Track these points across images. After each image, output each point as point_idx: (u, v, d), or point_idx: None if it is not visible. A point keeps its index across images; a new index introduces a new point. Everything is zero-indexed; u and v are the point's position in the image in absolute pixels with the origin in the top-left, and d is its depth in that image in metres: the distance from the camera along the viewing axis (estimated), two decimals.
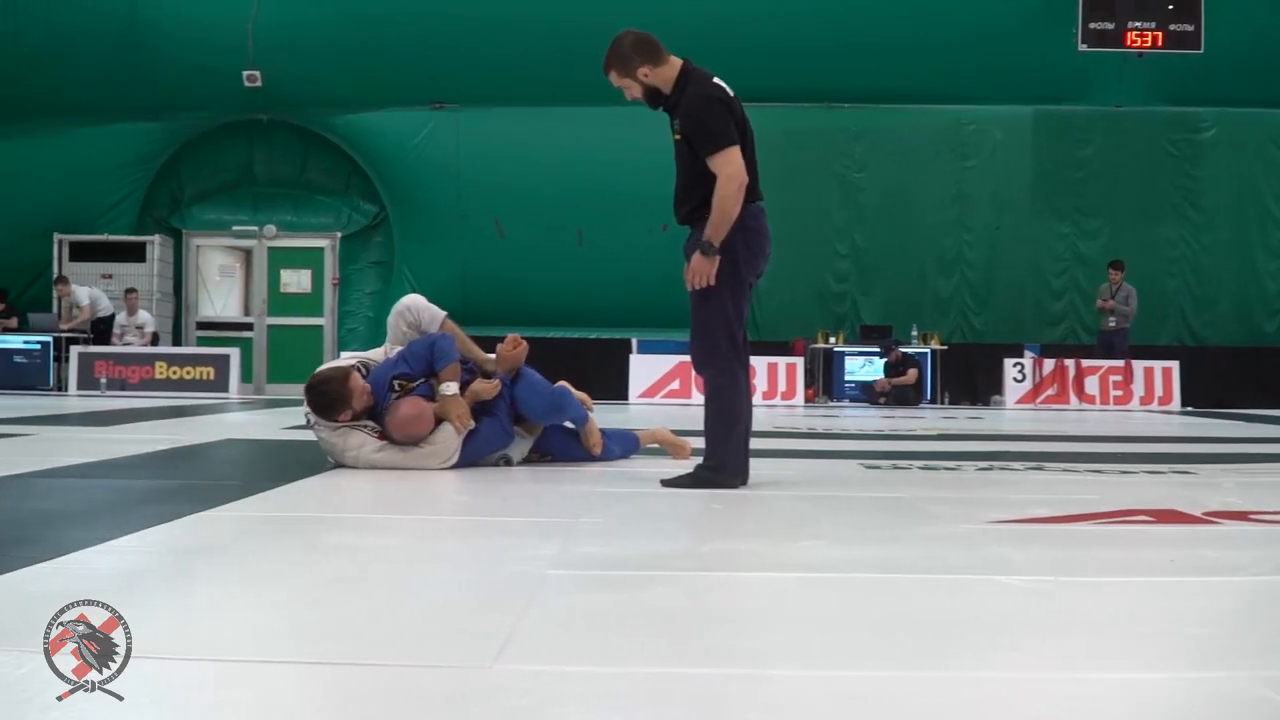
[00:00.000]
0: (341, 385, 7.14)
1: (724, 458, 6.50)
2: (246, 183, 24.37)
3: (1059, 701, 2.59)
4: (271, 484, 6.50)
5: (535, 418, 7.72)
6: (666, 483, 6.59)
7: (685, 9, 20.77)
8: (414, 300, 7.70)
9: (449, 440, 7.26)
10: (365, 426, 7.24)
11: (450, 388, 7.28)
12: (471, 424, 7.34)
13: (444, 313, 7.66)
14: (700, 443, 6.72)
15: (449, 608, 3.45)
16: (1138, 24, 21.38)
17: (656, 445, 8.33)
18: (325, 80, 22.81)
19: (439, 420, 7.28)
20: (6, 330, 22.69)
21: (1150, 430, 14.46)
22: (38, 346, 22.40)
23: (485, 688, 2.58)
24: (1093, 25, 21.38)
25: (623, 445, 8.20)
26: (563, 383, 7.99)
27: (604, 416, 8.39)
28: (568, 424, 7.96)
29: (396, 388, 7.29)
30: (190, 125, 23.73)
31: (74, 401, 17.99)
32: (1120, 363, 21.83)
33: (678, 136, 6.41)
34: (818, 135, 23.31)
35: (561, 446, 7.96)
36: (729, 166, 6.21)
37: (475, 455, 7.45)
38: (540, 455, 7.95)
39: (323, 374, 7.29)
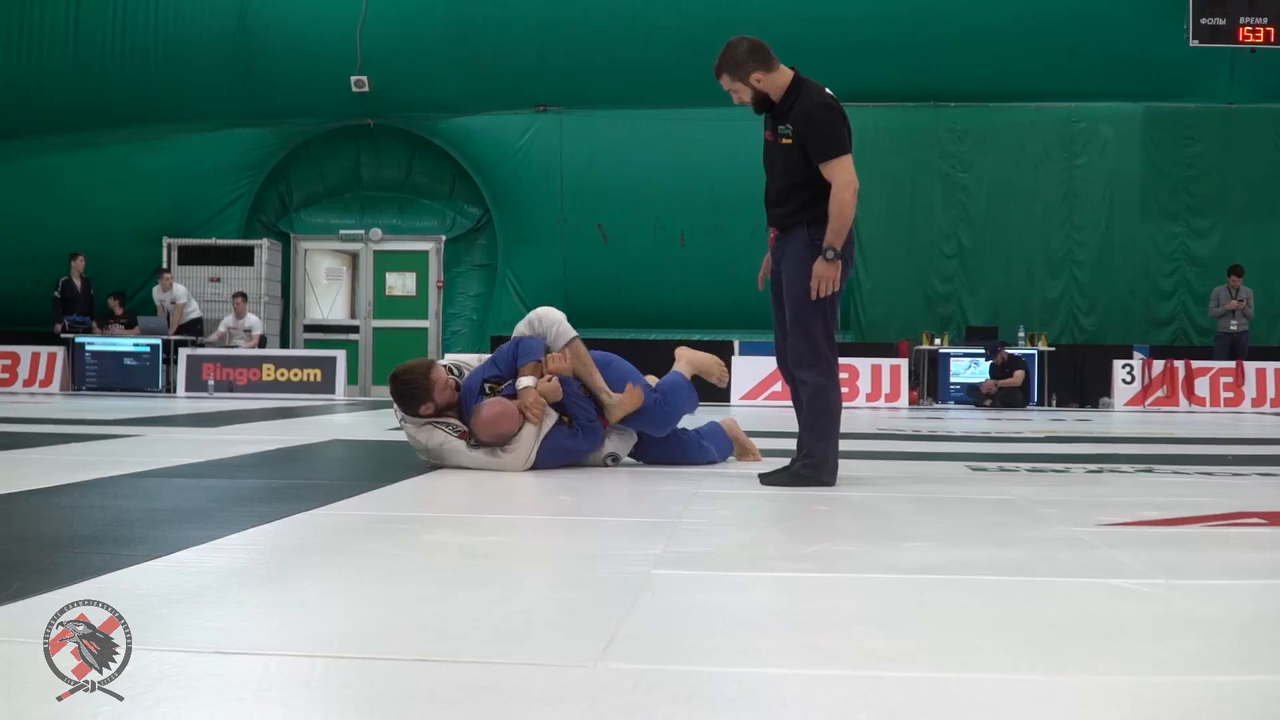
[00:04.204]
0: (423, 376, 7.17)
1: (825, 455, 6.58)
2: (353, 187, 24.65)
3: (1173, 705, 2.54)
4: (377, 484, 6.56)
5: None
6: (765, 479, 6.63)
7: (791, 8, 20.77)
8: (547, 312, 7.58)
9: (525, 440, 7.16)
10: (446, 425, 7.23)
11: (524, 380, 7.19)
12: (551, 415, 7.24)
13: (574, 333, 7.44)
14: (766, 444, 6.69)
15: (553, 606, 3.45)
16: (1249, 20, 21.01)
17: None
18: (431, 85, 23.02)
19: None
20: (123, 335, 23.02)
21: (1262, 432, 14.22)
22: (147, 349, 22.76)
23: (589, 686, 2.57)
24: (1204, 21, 21.05)
25: (719, 446, 8.11)
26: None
27: (703, 418, 8.36)
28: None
29: (487, 390, 7.28)
30: (298, 130, 24.02)
31: (182, 403, 18.25)
32: (1231, 364, 21.49)
33: (786, 140, 6.50)
34: (924, 135, 23.14)
35: (658, 454, 7.86)
36: (845, 173, 6.41)
37: (562, 459, 7.34)
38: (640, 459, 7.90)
39: (405, 365, 7.34)
